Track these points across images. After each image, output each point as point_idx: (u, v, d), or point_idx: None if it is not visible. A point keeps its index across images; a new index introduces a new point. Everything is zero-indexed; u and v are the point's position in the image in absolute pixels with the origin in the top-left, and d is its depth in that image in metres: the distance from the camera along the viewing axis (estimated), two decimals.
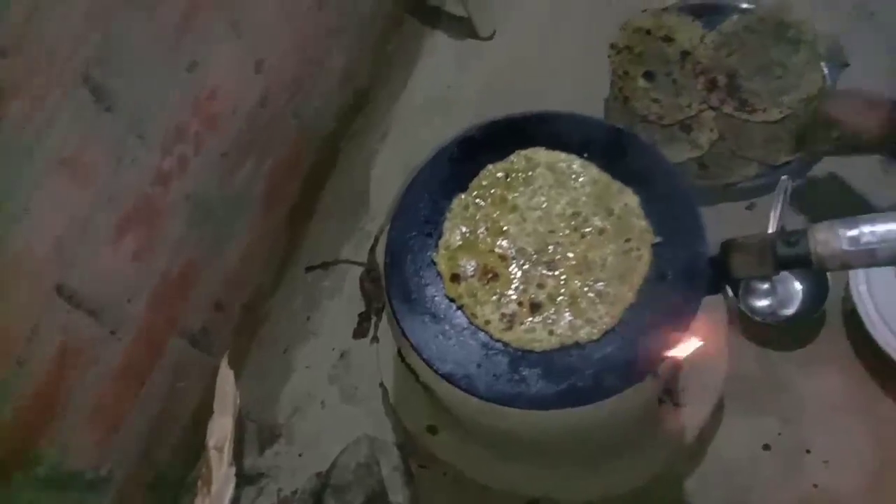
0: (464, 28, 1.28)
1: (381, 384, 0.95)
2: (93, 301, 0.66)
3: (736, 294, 0.99)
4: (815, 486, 0.92)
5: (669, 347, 0.67)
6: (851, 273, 0.94)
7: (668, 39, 1.19)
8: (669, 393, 0.89)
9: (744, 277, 0.63)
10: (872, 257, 0.55)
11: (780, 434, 0.95)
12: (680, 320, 0.67)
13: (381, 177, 1.17)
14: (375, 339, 1.04)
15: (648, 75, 1.16)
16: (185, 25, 0.70)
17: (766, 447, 0.95)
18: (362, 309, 1.05)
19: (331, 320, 1.05)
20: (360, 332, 1.07)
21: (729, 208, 1.08)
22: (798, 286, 1.01)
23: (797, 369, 0.98)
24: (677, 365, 0.87)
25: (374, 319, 1.06)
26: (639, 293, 0.68)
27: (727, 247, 0.63)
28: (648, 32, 1.19)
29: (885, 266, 0.59)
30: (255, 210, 0.93)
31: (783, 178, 0.96)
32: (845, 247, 0.55)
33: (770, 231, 0.97)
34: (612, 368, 0.66)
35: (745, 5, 1.21)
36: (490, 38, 1.29)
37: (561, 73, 1.22)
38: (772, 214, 0.97)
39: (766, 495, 0.92)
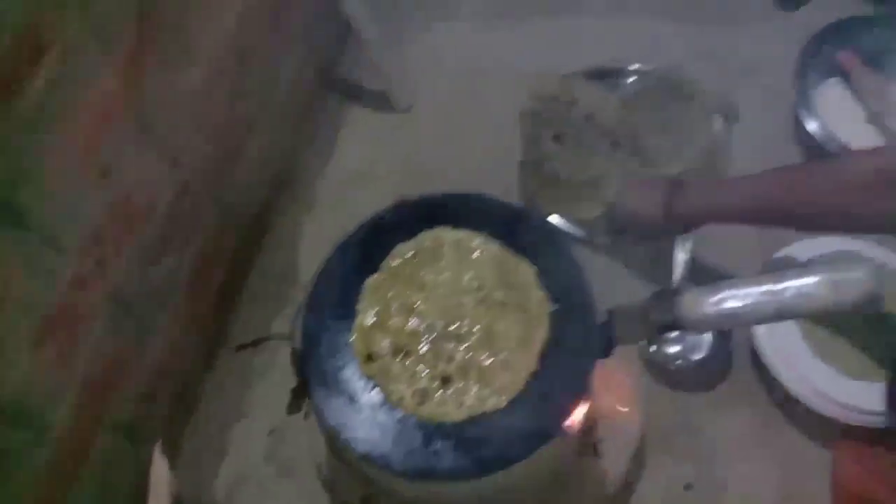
0: (382, 102, 1.34)
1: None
2: (14, 409, 0.68)
3: (648, 343, 1.06)
4: None
5: (571, 408, 0.71)
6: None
7: (573, 103, 1.26)
8: (588, 446, 0.93)
9: (629, 342, 0.69)
10: (735, 319, 0.61)
11: (699, 473, 1.00)
12: (578, 382, 0.72)
13: (308, 250, 1.21)
14: (309, 413, 1.06)
15: (557, 138, 1.23)
16: (98, 136, 0.74)
17: (688, 486, 1.00)
18: (295, 384, 1.08)
19: (264, 398, 1.08)
20: (293, 408, 1.09)
21: (641, 261, 1.15)
22: (702, 334, 1.07)
23: (710, 410, 1.04)
24: (592, 418, 0.93)
25: (307, 394, 1.08)
26: (540, 359, 0.73)
27: (611, 315, 0.68)
28: (555, 98, 1.27)
29: (748, 325, 0.65)
30: (179, 299, 0.95)
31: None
32: (710, 311, 0.61)
33: (676, 279, 1.05)
34: (520, 434, 0.70)
35: (640, 67, 1.30)
36: (408, 110, 1.35)
37: (476, 140, 1.28)
38: (675, 267, 1.05)
39: None
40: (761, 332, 0.98)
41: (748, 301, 0.60)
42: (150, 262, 0.87)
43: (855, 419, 0.92)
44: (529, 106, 1.25)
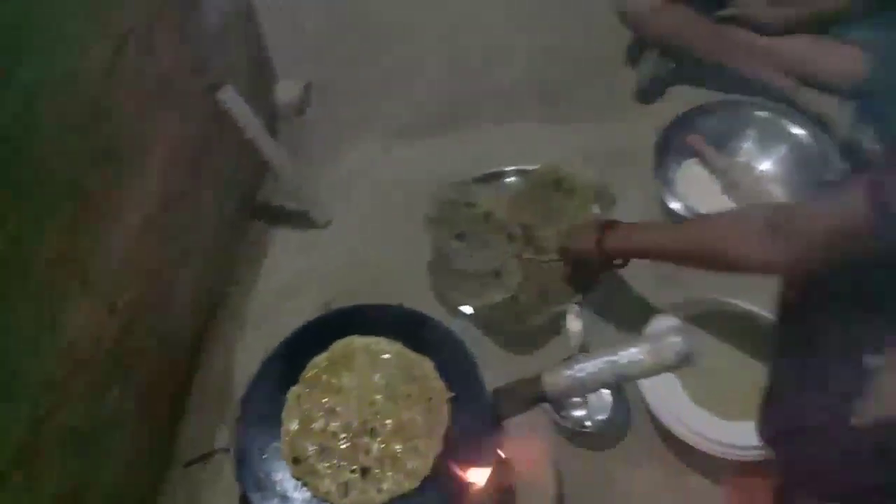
0: (304, 222, 1.49)
1: None
2: None
3: (556, 411, 1.19)
4: None
5: (477, 479, 0.83)
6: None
7: (471, 205, 1.43)
8: None
9: (512, 416, 0.82)
10: (585, 387, 0.75)
11: None
12: (478, 456, 0.84)
13: (243, 364, 1.31)
14: None
15: (460, 237, 1.38)
16: (45, 292, 0.85)
17: None
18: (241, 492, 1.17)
19: None
20: None
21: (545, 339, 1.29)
22: (606, 393, 1.21)
23: (619, 463, 1.17)
24: (509, 484, 1.05)
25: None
26: (444, 441, 0.85)
27: (495, 394, 0.81)
28: (454, 202, 1.44)
29: (597, 389, 0.79)
30: (128, 427, 1.05)
31: (573, 304, 1.20)
32: (566, 383, 0.75)
33: (573, 347, 1.19)
34: None
35: (525, 168, 1.47)
36: (326, 226, 1.50)
37: (391, 247, 1.43)
38: (570, 338, 1.19)
39: None
40: (647, 386, 1.12)
41: (594, 371, 0.74)
42: (99, 396, 0.97)
43: (734, 455, 1.06)
44: (433, 212, 1.41)
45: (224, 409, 1.26)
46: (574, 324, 1.20)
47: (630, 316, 1.26)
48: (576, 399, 1.19)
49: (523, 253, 1.35)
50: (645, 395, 1.14)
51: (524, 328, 1.26)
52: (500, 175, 1.48)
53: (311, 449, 0.86)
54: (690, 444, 1.09)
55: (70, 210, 0.88)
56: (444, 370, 0.90)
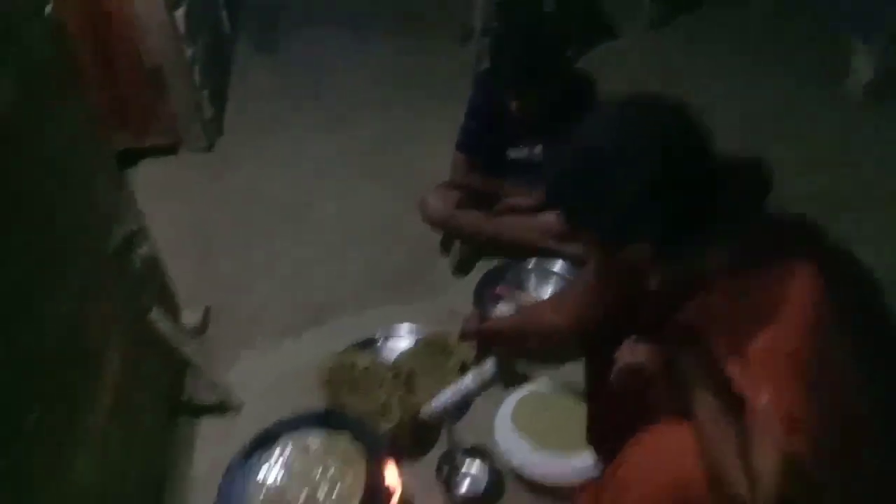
0: (221, 408, 1.85)
1: None
2: None
3: (447, 487, 1.57)
4: None
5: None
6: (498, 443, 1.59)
7: (353, 366, 1.88)
8: None
9: (409, 444, 1.21)
10: (445, 409, 1.19)
11: None
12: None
13: None
14: None
15: (351, 390, 1.80)
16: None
17: None
18: None
19: None
20: None
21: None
22: (479, 469, 1.62)
23: None
24: None
25: None
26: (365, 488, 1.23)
27: (392, 436, 1.23)
28: (341, 367, 1.87)
29: (457, 409, 1.22)
30: None
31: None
32: (433, 409, 1.19)
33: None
34: None
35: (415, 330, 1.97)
36: (240, 409, 1.86)
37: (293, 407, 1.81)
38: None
39: None
40: (499, 438, 1.56)
41: (448, 397, 1.19)
42: None
43: (559, 481, 1.50)
44: (325, 376, 1.84)
45: None
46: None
47: None
48: (458, 476, 1.60)
49: (402, 395, 1.78)
50: (506, 458, 1.57)
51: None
52: (371, 341, 1.97)
53: None
54: (540, 481, 1.52)
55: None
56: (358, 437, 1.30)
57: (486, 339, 1.63)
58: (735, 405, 0.95)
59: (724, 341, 0.96)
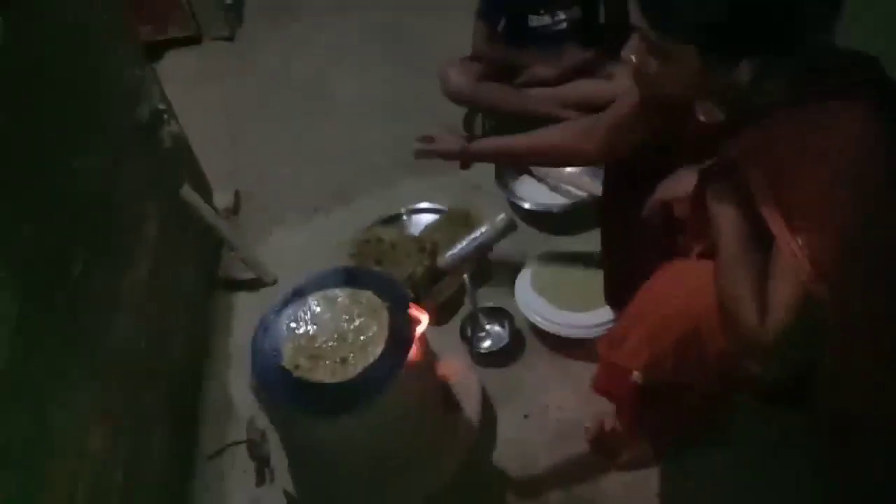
0: (256, 283, 1.94)
1: None
2: None
3: (471, 345, 1.66)
4: (558, 420, 1.53)
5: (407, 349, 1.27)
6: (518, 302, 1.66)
7: (381, 240, 1.94)
8: (451, 404, 1.48)
9: (427, 292, 1.28)
10: (462, 258, 1.24)
11: (530, 406, 1.57)
12: (409, 336, 1.28)
13: (235, 385, 1.71)
14: (272, 479, 1.52)
15: (378, 262, 1.88)
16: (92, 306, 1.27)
17: (526, 416, 1.55)
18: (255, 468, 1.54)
19: (236, 485, 1.52)
20: (260, 481, 1.54)
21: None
22: (500, 328, 1.70)
23: (519, 370, 1.64)
24: (447, 385, 1.49)
25: (265, 468, 1.55)
26: (389, 333, 1.30)
27: (411, 286, 1.29)
28: (368, 241, 1.94)
29: (472, 258, 1.27)
30: (161, 425, 1.43)
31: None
32: (451, 260, 1.24)
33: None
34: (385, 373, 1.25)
35: (413, 207, 2.02)
36: (274, 283, 1.96)
37: None
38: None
39: (538, 446, 1.51)
40: (519, 298, 1.63)
41: (464, 247, 1.24)
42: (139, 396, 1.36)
43: (587, 333, 1.56)
44: (353, 250, 1.90)
45: (225, 420, 1.65)
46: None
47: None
48: (480, 333, 1.68)
49: (425, 262, 1.85)
50: (525, 314, 1.64)
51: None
52: (397, 216, 2.02)
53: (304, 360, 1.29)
54: (558, 333, 1.58)
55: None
56: (383, 298, 1.36)
57: (474, 160, 1.51)
58: (763, 242, 0.95)
59: (765, 179, 0.93)
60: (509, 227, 1.24)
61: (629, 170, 1.32)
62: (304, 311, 1.37)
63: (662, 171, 1.21)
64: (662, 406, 1.20)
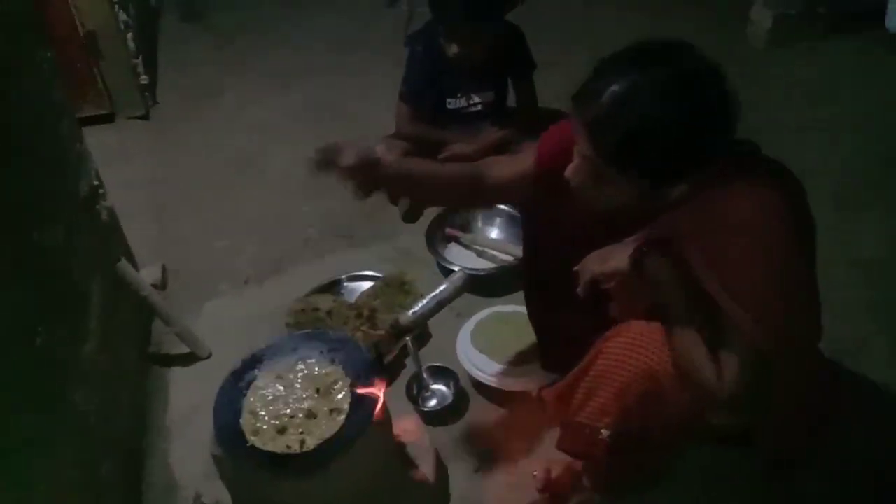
0: (190, 357, 1.92)
1: None
2: None
3: (417, 404, 1.71)
4: (507, 472, 1.60)
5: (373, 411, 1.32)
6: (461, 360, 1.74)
7: (316, 309, 1.98)
8: (408, 461, 1.52)
9: (389, 351, 1.34)
10: (423, 315, 1.32)
11: (477, 462, 1.63)
12: (371, 402, 1.33)
13: (178, 458, 1.67)
14: None
15: (315, 328, 1.91)
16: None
17: (476, 471, 1.61)
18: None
19: None
20: None
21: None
22: (444, 387, 1.77)
23: (470, 426, 1.71)
24: (401, 444, 1.53)
25: None
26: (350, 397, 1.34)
27: (373, 346, 1.35)
28: (303, 310, 1.98)
29: (431, 315, 1.35)
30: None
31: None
32: (412, 318, 1.32)
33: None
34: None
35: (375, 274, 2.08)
36: (209, 356, 1.94)
37: None
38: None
39: (491, 498, 1.56)
40: (461, 356, 1.72)
41: (426, 304, 1.32)
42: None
43: (519, 386, 1.66)
44: (290, 320, 1.93)
45: (172, 494, 1.60)
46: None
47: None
48: (427, 392, 1.74)
49: (365, 330, 1.91)
50: (468, 371, 1.72)
51: None
52: (331, 284, 2.07)
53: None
54: (498, 387, 1.68)
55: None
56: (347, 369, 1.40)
57: (375, 177, 1.32)
58: (703, 303, 1.08)
59: (703, 257, 1.07)
60: (466, 284, 1.34)
61: (550, 237, 1.41)
62: (265, 378, 1.38)
63: (582, 239, 1.28)
64: (627, 457, 1.28)
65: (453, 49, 2.15)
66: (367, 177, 1.30)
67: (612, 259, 1.24)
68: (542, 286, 1.54)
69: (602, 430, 1.24)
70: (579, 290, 1.29)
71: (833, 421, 1.30)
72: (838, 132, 2.53)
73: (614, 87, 1.02)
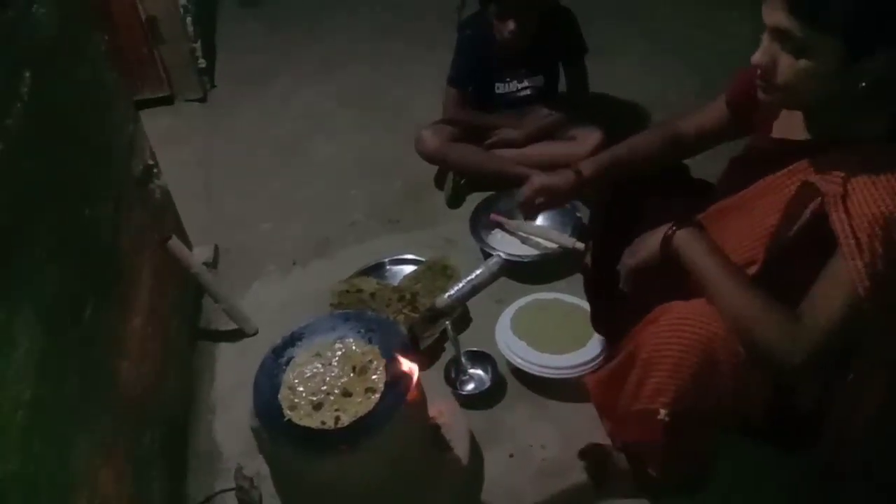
0: (238, 334, 1.97)
1: None
2: None
3: (455, 388, 1.73)
4: (544, 459, 1.60)
5: (407, 387, 1.33)
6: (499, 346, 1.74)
7: (360, 290, 2.01)
8: (440, 442, 1.53)
9: (424, 334, 1.35)
10: (459, 298, 1.33)
11: (515, 446, 1.63)
12: (406, 382, 1.34)
13: (221, 432, 1.73)
14: None
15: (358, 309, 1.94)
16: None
17: (511, 456, 1.62)
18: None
19: None
20: None
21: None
22: (482, 372, 1.78)
23: (501, 412, 1.71)
24: (437, 425, 1.54)
25: None
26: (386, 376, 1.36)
27: (409, 329, 1.36)
28: (347, 291, 2.01)
29: (466, 300, 1.35)
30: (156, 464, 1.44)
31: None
32: (448, 301, 1.33)
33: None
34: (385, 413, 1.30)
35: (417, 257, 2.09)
36: (255, 334, 1.99)
37: None
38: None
39: (524, 483, 1.57)
40: (500, 342, 1.72)
41: (460, 288, 1.33)
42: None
43: (556, 375, 1.65)
44: (333, 301, 1.97)
45: (215, 466, 1.65)
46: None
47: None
48: (464, 376, 1.75)
49: (405, 313, 1.93)
50: (507, 357, 1.72)
51: None
52: (375, 267, 2.10)
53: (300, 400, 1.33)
54: (537, 374, 1.67)
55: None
56: (379, 337, 1.42)
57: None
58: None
59: (841, 190, 0.99)
60: (502, 269, 1.33)
61: (621, 211, 1.41)
62: (304, 356, 1.42)
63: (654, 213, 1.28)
64: (686, 439, 1.24)
65: (507, 27, 2.12)
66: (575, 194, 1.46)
67: (643, 248, 1.24)
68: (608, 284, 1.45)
69: (660, 411, 1.19)
70: (622, 285, 1.29)
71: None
72: None
73: None
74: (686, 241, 1.13)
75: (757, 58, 1.05)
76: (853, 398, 1.10)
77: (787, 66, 1.01)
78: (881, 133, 1.04)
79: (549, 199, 1.50)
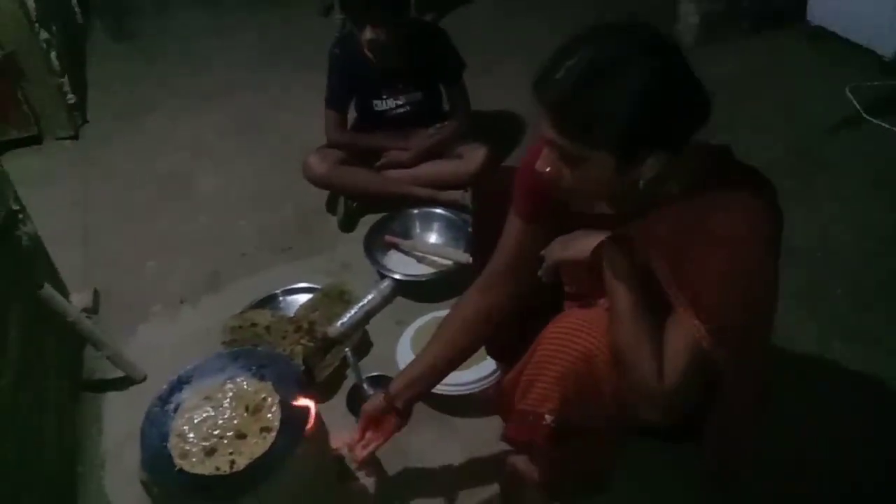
0: (125, 380, 1.87)
1: None
2: None
3: (358, 416, 1.69)
4: (453, 479, 1.59)
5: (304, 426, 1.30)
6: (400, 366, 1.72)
7: (253, 324, 1.95)
8: (344, 475, 1.50)
9: (319, 363, 1.32)
10: (352, 326, 1.31)
11: (418, 470, 1.62)
12: (304, 413, 1.31)
13: (112, 489, 1.63)
14: None
15: (253, 347, 1.88)
16: None
17: (420, 479, 1.60)
18: None
19: None
20: None
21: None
22: None
23: (410, 436, 1.66)
24: (340, 456, 1.51)
25: None
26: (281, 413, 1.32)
27: (304, 359, 1.33)
28: (241, 326, 1.94)
29: (361, 327, 1.34)
30: None
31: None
32: (341, 329, 1.31)
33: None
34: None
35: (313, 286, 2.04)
36: (144, 379, 1.89)
37: None
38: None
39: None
40: (401, 366, 1.70)
41: (353, 315, 1.31)
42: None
43: (460, 391, 1.66)
44: (226, 338, 1.90)
45: None
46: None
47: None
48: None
49: (302, 341, 1.89)
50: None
51: None
52: (269, 299, 2.04)
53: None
54: (441, 392, 1.66)
55: None
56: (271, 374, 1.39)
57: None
58: (656, 309, 1.07)
59: (666, 262, 1.04)
60: (395, 292, 1.33)
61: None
62: (192, 400, 1.36)
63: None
64: (572, 449, 1.26)
65: (367, 37, 2.11)
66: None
67: (575, 247, 1.24)
68: None
69: (546, 416, 1.21)
70: (540, 272, 1.29)
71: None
72: (765, 126, 2.60)
73: (570, 63, 0.99)
74: (619, 263, 1.12)
75: (540, 166, 1.10)
76: (726, 403, 1.15)
77: (567, 174, 1.07)
78: (687, 184, 1.08)
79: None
